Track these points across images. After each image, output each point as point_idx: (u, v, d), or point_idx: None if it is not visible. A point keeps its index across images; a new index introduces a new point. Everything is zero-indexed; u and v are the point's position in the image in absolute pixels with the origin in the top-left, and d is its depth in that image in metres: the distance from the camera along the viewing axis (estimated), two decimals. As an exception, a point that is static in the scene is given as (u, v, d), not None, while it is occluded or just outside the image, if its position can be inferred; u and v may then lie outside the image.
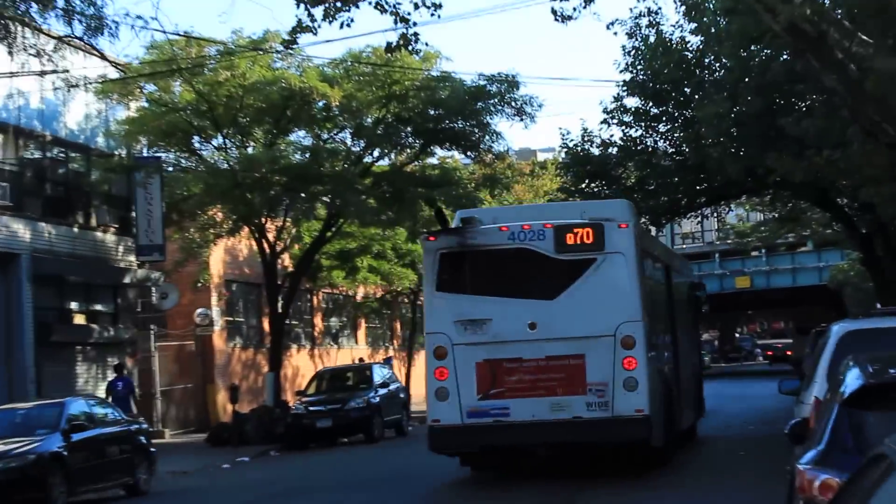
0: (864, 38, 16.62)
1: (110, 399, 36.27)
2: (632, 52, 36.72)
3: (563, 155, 41.67)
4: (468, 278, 22.06)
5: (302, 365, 54.07)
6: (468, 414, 21.60)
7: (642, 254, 22.42)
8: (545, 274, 21.72)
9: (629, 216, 22.42)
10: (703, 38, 35.51)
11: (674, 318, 26.97)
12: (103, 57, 29.89)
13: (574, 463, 23.47)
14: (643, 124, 38.13)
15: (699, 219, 45.48)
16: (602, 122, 38.31)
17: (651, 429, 21.40)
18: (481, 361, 21.62)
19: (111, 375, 37.80)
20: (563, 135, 38.99)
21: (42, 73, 29.88)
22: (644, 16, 35.96)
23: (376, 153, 43.02)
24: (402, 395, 40.79)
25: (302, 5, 18.51)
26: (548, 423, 21.27)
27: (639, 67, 36.72)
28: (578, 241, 21.56)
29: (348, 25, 19.00)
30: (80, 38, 26.41)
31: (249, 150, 39.86)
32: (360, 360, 54.34)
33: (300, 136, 42.77)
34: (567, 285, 21.61)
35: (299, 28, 18.80)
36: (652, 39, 36.36)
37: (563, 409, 21.24)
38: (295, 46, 21.07)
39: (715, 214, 45.53)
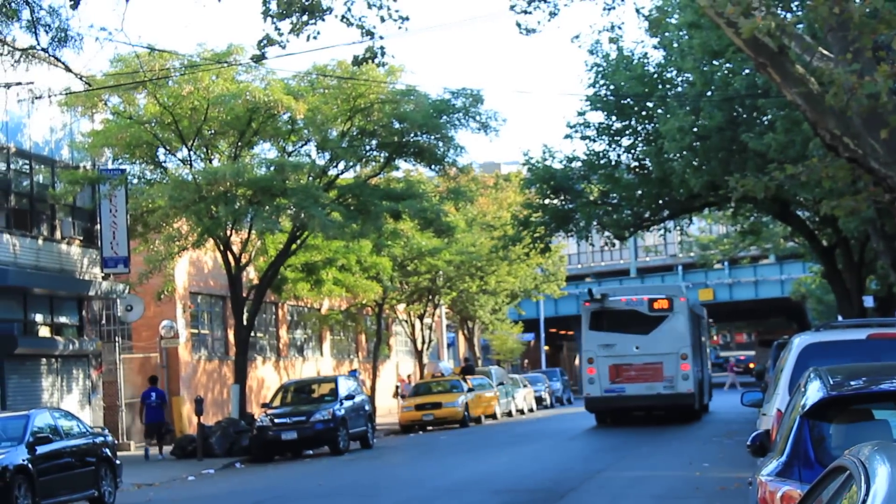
0: (825, 52, 16.81)
1: (143, 409, 37.76)
2: (593, 68, 36.92)
3: (526, 171, 42.08)
4: (605, 324, 40.48)
5: (267, 377, 54.03)
6: (604, 391, 40.35)
7: (690, 312, 41.17)
8: (643, 322, 40.06)
9: (685, 293, 42.03)
10: (665, 53, 35.74)
11: (700, 342, 45.24)
12: (68, 69, 29.76)
13: (653, 419, 42.00)
14: (606, 138, 38.33)
15: (662, 232, 45.67)
16: (566, 137, 38.55)
17: (695, 400, 41.00)
18: (611, 365, 40.16)
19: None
20: (525, 153, 39.67)
21: (7, 86, 29.79)
22: (606, 30, 36.19)
23: (341, 166, 43.09)
24: (367, 408, 40.69)
25: (269, 19, 18.58)
26: (644, 396, 40.15)
27: (601, 83, 36.91)
28: (659, 307, 40.07)
29: (315, 38, 19.10)
30: (45, 51, 26.30)
31: (214, 162, 39.80)
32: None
33: (265, 148, 42.83)
34: (654, 328, 40.05)
35: (267, 42, 18.86)
36: (613, 55, 36.56)
37: (652, 389, 39.87)
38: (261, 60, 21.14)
39: (678, 227, 45.77)
